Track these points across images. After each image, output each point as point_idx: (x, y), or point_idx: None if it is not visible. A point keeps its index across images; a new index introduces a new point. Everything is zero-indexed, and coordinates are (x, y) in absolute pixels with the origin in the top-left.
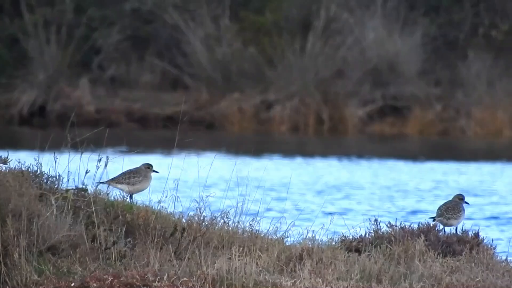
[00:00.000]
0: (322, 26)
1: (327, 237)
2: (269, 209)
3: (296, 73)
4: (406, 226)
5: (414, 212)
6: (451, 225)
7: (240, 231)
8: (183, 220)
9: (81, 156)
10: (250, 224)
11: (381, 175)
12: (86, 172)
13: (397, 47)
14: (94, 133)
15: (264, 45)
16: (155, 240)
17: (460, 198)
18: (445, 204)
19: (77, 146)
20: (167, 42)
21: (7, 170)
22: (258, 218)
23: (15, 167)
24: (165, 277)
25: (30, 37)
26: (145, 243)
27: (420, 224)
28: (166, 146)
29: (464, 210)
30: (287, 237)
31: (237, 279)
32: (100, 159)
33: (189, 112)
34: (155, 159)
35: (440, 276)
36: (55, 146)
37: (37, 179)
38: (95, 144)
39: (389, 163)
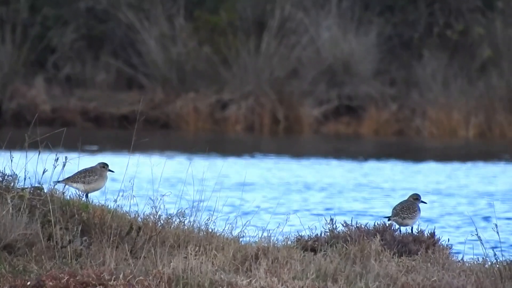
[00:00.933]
0: (277, 25)
1: (282, 236)
2: (224, 208)
3: (251, 72)
4: (362, 226)
5: (368, 212)
6: (406, 225)
7: (196, 230)
8: (139, 219)
9: (38, 156)
10: (205, 223)
11: (336, 174)
12: (44, 172)
13: (352, 46)
14: (50, 133)
15: (219, 45)
16: (111, 239)
17: (415, 198)
18: (400, 203)
19: (34, 146)
20: (122, 42)
21: None
22: (214, 217)
23: None
24: (121, 276)
25: None
26: (101, 242)
27: (376, 224)
28: (121, 146)
29: (419, 209)
30: (243, 236)
31: (193, 278)
32: (58, 159)
33: (144, 112)
34: (110, 159)
35: (396, 275)
36: (11, 145)
37: None
38: (51, 143)
39: (344, 162)
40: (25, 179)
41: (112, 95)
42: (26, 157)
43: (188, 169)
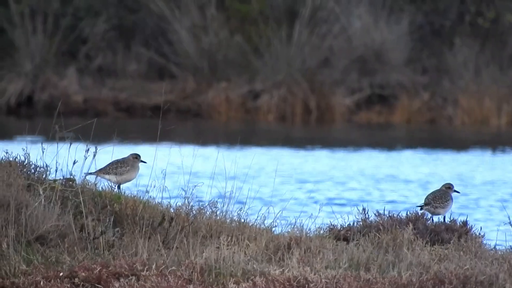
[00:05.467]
0: (308, 14)
1: (315, 226)
2: (257, 198)
3: (282, 62)
4: (394, 215)
5: (402, 201)
6: (438, 214)
7: (228, 220)
8: (171, 210)
9: (69, 147)
10: (238, 214)
11: (369, 164)
12: (74, 163)
13: (384, 35)
14: (82, 124)
15: (250, 34)
16: (143, 229)
17: (448, 187)
18: (432, 193)
19: (66, 137)
20: (153, 31)
21: None
22: (246, 207)
23: (2, 158)
24: (154, 266)
25: (16, 26)
26: (133, 233)
27: (408, 213)
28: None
29: (452, 199)
30: (275, 226)
31: (226, 268)
32: (88, 150)
33: (175, 102)
34: (142, 149)
35: (428, 264)
36: (43, 136)
37: (24, 170)
38: (83, 134)
39: (376, 152)
40: (56, 170)
41: (144, 85)
42: (57, 148)
43: (220, 159)
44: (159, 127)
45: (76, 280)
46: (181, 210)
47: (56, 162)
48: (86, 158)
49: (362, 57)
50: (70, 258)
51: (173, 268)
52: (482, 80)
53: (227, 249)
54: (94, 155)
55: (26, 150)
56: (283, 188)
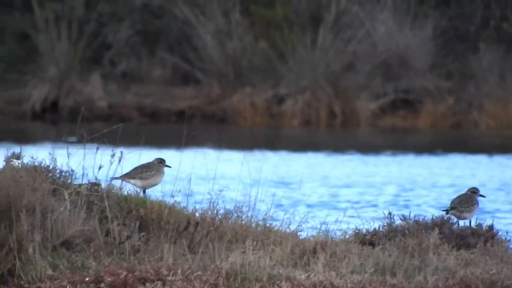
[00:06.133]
0: (333, 19)
1: (340, 230)
2: (282, 203)
3: (307, 67)
4: (420, 219)
5: (428, 206)
6: (464, 218)
7: (253, 225)
8: (197, 214)
9: (96, 152)
10: (263, 218)
11: (394, 168)
12: (100, 168)
13: (408, 40)
14: (106, 129)
15: (274, 39)
16: (169, 234)
17: (473, 191)
18: (458, 197)
19: (91, 142)
20: (178, 37)
21: (20, 166)
22: (272, 212)
23: (28, 163)
24: (179, 271)
25: (41, 32)
26: (159, 238)
27: (434, 217)
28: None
29: (478, 203)
30: (301, 231)
31: (251, 273)
32: (114, 154)
33: (200, 107)
34: (167, 154)
35: (454, 269)
36: (68, 141)
37: (50, 174)
38: (108, 139)
39: (401, 156)
40: (83, 175)
41: (168, 91)
42: (84, 153)
43: (245, 164)
44: (184, 132)
45: (102, 285)
46: (206, 215)
47: (83, 168)
48: (111, 163)
49: (386, 62)
50: (96, 263)
51: (199, 273)
52: (507, 85)
53: (253, 253)
54: (120, 160)
55: (53, 155)
56: (308, 193)
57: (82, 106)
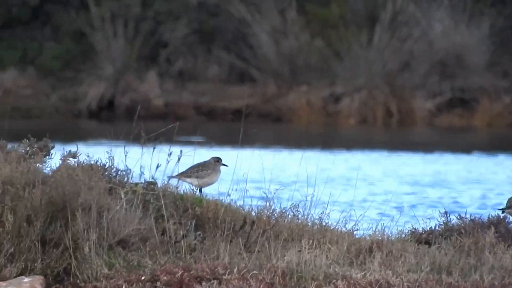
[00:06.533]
0: (389, 18)
1: (396, 229)
2: (338, 202)
3: (363, 65)
4: (476, 218)
5: (484, 204)
6: None
7: (309, 223)
8: (253, 213)
9: (153, 151)
10: (319, 217)
11: (451, 167)
12: (157, 167)
13: (464, 38)
14: (162, 127)
15: (330, 38)
16: (225, 233)
17: None
18: None
19: (147, 140)
20: (234, 35)
21: (76, 164)
22: (327, 211)
23: (84, 161)
24: (235, 270)
25: (97, 30)
26: (215, 236)
27: (490, 216)
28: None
29: None
30: (357, 229)
31: (307, 271)
32: (171, 153)
33: (256, 106)
34: (223, 153)
35: (510, 267)
36: (124, 140)
37: (106, 173)
38: (164, 138)
39: (458, 155)
40: (140, 174)
41: (224, 89)
42: (142, 151)
43: (302, 163)
44: (241, 131)
45: (158, 284)
46: (262, 214)
47: (141, 167)
48: (168, 162)
49: (443, 60)
50: (152, 262)
51: (255, 271)
52: None
53: (309, 252)
54: (179, 159)
55: (109, 154)
56: (364, 191)
57: (138, 105)
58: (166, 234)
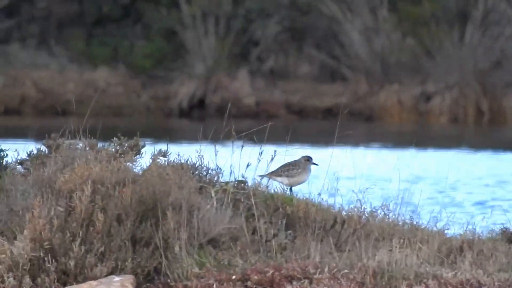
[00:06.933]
0: (480, 16)
1: (487, 228)
2: (429, 201)
3: (454, 64)
4: None
5: None
6: None
7: (400, 223)
8: (343, 213)
9: (241, 149)
10: (410, 216)
11: None
12: (248, 166)
13: None
14: (254, 126)
15: (422, 36)
16: (315, 232)
17: None
18: None
19: (238, 139)
20: (325, 33)
21: (167, 163)
22: (418, 210)
23: (174, 160)
24: (326, 269)
25: (188, 28)
26: (305, 236)
27: None
28: (326, 139)
29: None
30: (448, 229)
31: (398, 271)
32: (262, 152)
33: (348, 104)
34: (314, 152)
35: None
36: (215, 138)
37: (196, 172)
38: (255, 137)
39: None
40: (231, 173)
41: (316, 87)
42: (232, 150)
43: (393, 161)
44: (336, 130)
45: (249, 283)
46: (353, 213)
47: (231, 166)
48: (259, 161)
49: None
50: (243, 261)
51: (346, 271)
52: None
53: (400, 252)
54: (272, 159)
55: (199, 153)
56: (456, 190)
57: (229, 103)
58: (257, 233)
